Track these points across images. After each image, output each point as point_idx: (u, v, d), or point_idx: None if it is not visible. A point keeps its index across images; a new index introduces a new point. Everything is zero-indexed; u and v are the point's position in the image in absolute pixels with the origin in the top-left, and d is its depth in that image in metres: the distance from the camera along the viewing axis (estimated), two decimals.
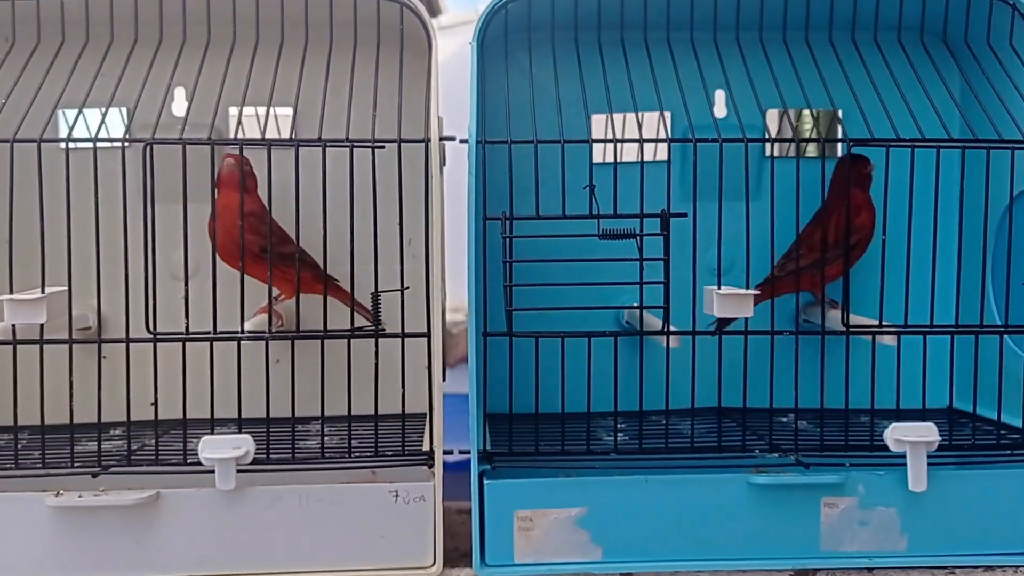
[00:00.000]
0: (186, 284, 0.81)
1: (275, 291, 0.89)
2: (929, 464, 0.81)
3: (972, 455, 0.86)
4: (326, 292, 0.85)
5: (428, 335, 0.82)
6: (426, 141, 0.82)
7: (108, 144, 0.82)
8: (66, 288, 0.82)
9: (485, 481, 0.82)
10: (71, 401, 0.82)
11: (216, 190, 0.90)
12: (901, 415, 0.85)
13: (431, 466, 0.83)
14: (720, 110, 1.01)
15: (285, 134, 0.98)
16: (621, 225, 0.81)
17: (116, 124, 0.97)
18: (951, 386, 0.88)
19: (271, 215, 0.87)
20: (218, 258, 0.87)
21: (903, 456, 0.81)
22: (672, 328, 0.85)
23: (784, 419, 0.93)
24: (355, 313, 0.87)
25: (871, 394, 0.86)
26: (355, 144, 0.81)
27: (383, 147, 0.81)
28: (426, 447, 0.85)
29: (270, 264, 0.84)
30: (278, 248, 0.87)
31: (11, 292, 0.81)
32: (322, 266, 0.86)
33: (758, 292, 0.82)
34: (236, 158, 0.87)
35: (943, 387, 0.89)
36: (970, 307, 0.91)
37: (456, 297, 1.15)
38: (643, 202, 0.83)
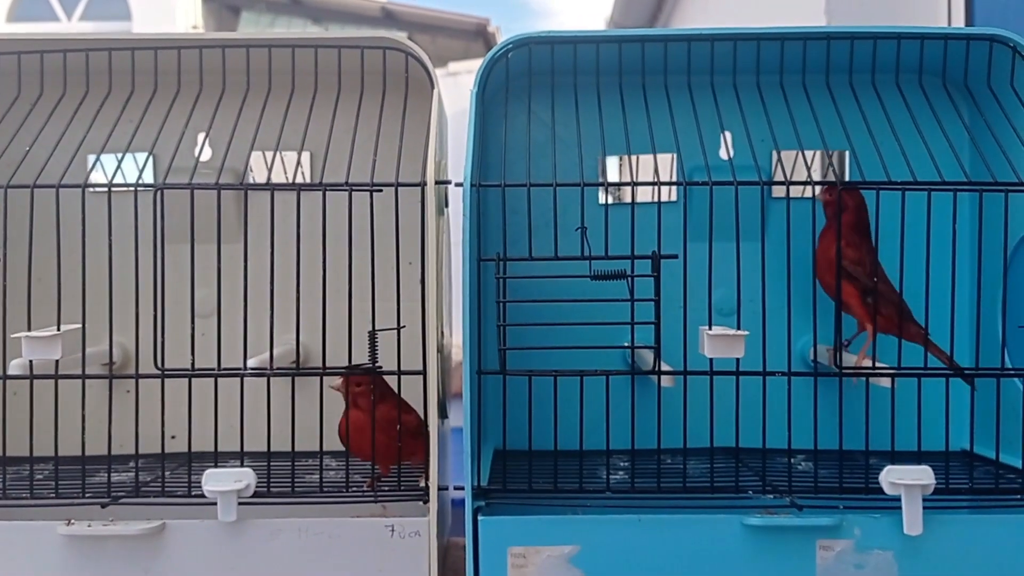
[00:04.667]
0: (192, 322, 0.85)
1: None
2: (926, 508, 0.80)
3: (970, 499, 0.84)
4: (324, 324, 0.87)
5: (424, 373, 0.84)
6: (422, 185, 0.85)
7: (124, 188, 0.86)
8: (80, 325, 0.86)
9: (479, 517, 0.83)
10: (83, 434, 0.86)
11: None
12: (898, 457, 0.85)
13: (427, 501, 0.85)
14: (724, 152, 1.03)
15: (307, 175, 1.02)
16: (614, 266, 0.83)
17: (143, 168, 1.02)
18: (947, 427, 0.87)
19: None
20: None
21: (899, 499, 0.81)
22: (667, 367, 0.86)
23: (782, 460, 0.92)
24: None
25: (865, 435, 0.85)
26: (353, 188, 0.84)
27: (381, 190, 0.84)
28: (423, 483, 0.87)
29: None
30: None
31: (29, 328, 0.85)
32: (322, 302, 0.88)
33: (747, 332, 0.83)
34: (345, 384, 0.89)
35: (941, 428, 0.88)
36: (968, 348, 0.90)
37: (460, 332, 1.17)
38: (634, 243, 0.84)
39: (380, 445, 0.86)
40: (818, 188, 0.92)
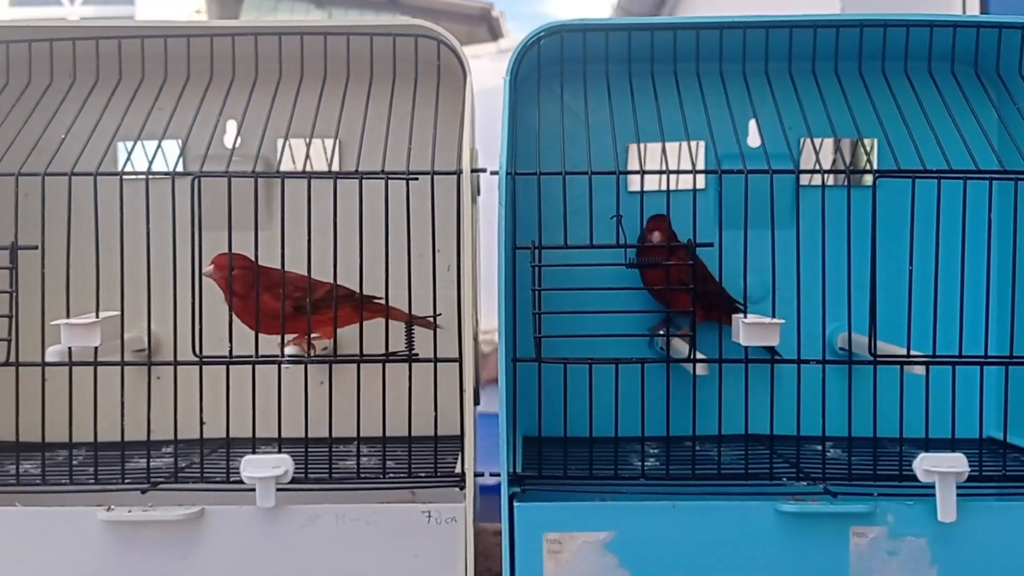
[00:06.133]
0: (230, 310, 0.85)
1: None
2: (959, 495, 0.81)
3: (1003, 486, 0.85)
4: (362, 321, 0.88)
5: (460, 360, 0.85)
6: (458, 173, 0.85)
7: (160, 176, 0.87)
8: (119, 313, 0.86)
9: (515, 504, 0.84)
10: (123, 420, 0.86)
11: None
12: (931, 444, 0.85)
13: (463, 487, 0.85)
14: (754, 139, 1.03)
15: (333, 164, 1.02)
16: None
17: (172, 154, 1.02)
18: (981, 415, 0.87)
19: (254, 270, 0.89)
20: None
21: (933, 486, 0.81)
22: (700, 355, 0.87)
23: (817, 447, 0.93)
24: (390, 335, 0.90)
25: (899, 423, 0.86)
26: (390, 176, 0.84)
27: (416, 179, 0.85)
28: (458, 469, 0.87)
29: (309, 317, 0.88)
30: (301, 301, 0.89)
31: (68, 315, 0.85)
32: (358, 290, 0.89)
33: (783, 321, 0.83)
34: (217, 266, 0.89)
35: (973, 416, 0.88)
36: (1001, 336, 0.91)
37: (489, 318, 1.18)
38: (670, 231, 0.84)
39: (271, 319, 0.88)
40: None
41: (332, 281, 0.88)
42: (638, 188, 1.01)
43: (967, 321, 0.84)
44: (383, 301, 0.88)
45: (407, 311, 0.88)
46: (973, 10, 2.11)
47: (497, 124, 0.88)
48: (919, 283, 0.86)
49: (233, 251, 0.88)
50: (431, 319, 0.89)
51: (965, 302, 0.85)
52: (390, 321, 0.88)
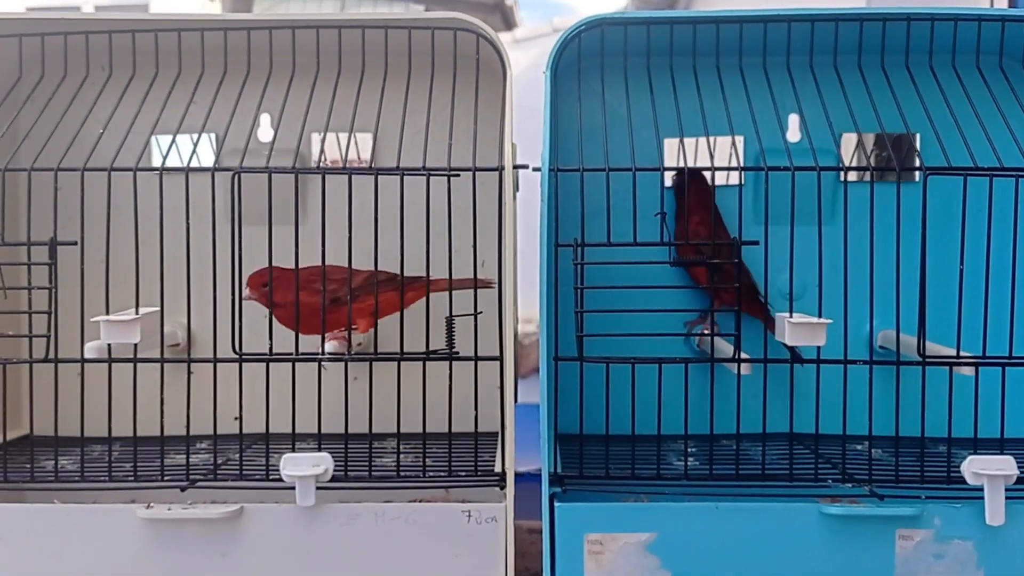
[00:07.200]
0: (270, 307, 0.85)
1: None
2: (1007, 498, 0.80)
3: None
4: (403, 311, 0.87)
5: (501, 359, 0.84)
6: (500, 169, 0.84)
7: (199, 171, 0.86)
8: (158, 309, 0.86)
9: (556, 504, 0.83)
10: (162, 417, 0.86)
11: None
12: (979, 446, 0.84)
13: (503, 487, 0.84)
14: (794, 134, 1.01)
15: (366, 155, 1.02)
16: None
17: (205, 148, 1.01)
18: None
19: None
20: None
21: (981, 489, 0.80)
22: (744, 355, 0.85)
23: (859, 447, 0.92)
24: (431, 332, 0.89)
25: (948, 425, 0.85)
26: (431, 172, 0.83)
27: (458, 175, 0.83)
28: (498, 468, 0.87)
29: (351, 311, 0.87)
30: (338, 292, 0.89)
31: (107, 311, 0.85)
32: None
33: (831, 320, 0.82)
34: (252, 287, 0.90)
35: (1020, 416, 0.87)
36: None
37: (527, 309, 1.16)
38: (715, 229, 0.83)
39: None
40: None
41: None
42: (671, 184, 1.01)
43: (1019, 323, 0.83)
44: (423, 278, 0.87)
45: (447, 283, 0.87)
46: (1001, 2, 2.08)
47: (517, 116, 0.87)
48: (966, 282, 0.85)
49: (269, 250, 0.87)
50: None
51: (1017, 302, 0.83)
52: (430, 319, 0.87)
